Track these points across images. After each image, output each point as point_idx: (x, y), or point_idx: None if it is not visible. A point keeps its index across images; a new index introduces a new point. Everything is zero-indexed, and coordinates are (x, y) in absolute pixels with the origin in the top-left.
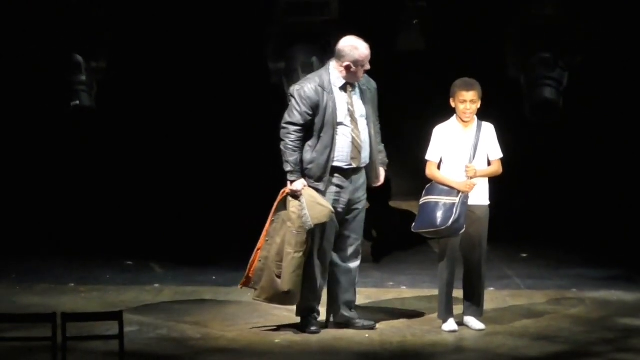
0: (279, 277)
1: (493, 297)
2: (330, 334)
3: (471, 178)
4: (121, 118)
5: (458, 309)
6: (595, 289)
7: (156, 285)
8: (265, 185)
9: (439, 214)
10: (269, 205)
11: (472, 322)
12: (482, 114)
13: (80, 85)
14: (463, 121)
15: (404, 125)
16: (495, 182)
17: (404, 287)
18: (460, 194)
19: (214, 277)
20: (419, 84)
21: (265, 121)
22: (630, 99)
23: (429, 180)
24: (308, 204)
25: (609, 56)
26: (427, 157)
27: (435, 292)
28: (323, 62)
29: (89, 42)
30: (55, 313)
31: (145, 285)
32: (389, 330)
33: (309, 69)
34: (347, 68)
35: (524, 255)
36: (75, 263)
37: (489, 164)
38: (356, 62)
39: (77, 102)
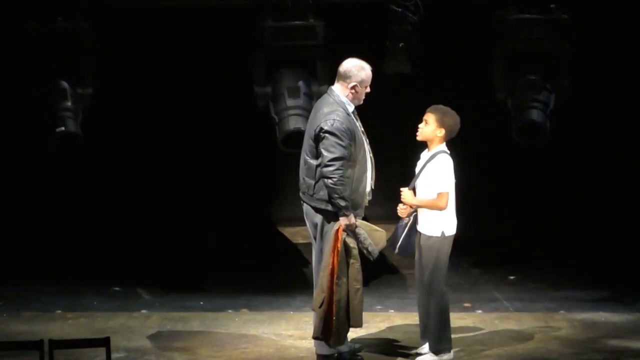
0: (348, 316)
1: (482, 320)
2: None
3: (403, 203)
4: (107, 144)
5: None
6: (584, 311)
7: (144, 311)
8: (250, 211)
9: (393, 236)
10: (254, 230)
11: (425, 349)
12: (472, 137)
13: (66, 111)
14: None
15: (390, 149)
16: (483, 205)
17: (392, 311)
18: (402, 218)
19: (201, 303)
20: (405, 108)
21: (252, 147)
22: (616, 120)
23: None
24: (368, 233)
25: (594, 79)
26: None
27: None
28: (309, 86)
29: (75, 68)
30: (42, 340)
31: (133, 311)
32: (377, 354)
33: (295, 93)
34: (354, 88)
35: (512, 277)
36: (62, 290)
37: None
38: (362, 82)
39: (63, 128)
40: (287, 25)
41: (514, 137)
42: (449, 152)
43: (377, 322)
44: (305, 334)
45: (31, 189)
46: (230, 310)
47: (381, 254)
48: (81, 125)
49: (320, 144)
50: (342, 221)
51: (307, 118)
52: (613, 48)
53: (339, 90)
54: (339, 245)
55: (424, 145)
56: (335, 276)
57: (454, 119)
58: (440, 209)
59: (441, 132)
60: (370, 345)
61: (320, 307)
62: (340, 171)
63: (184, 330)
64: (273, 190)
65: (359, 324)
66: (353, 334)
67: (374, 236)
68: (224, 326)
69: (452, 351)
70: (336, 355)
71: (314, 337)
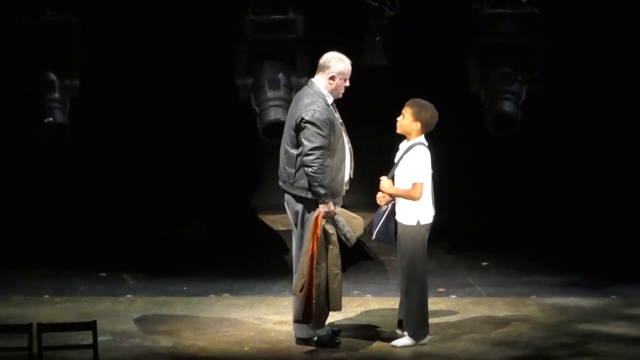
0: (328, 300)
1: (455, 305)
2: None
3: (381, 191)
4: (93, 134)
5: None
6: (554, 296)
7: (129, 296)
8: (232, 199)
9: (371, 223)
10: (235, 218)
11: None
12: (446, 128)
13: (54, 102)
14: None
15: (367, 139)
16: (456, 193)
17: (369, 296)
18: (381, 206)
19: (184, 288)
20: (382, 99)
21: (233, 137)
22: (587, 110)
23: None
24: (347, 220)
25: (566, 70)
26: None
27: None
28: (289, 78)
29: (62, 60)
30: (31, 323)
31: (119, 296)
32: (355, 338)
33: (276, 85)
34: (332, 79)
35: (485, 263)
36: (50, 275)
37: None
38: (341, 74)
39: (51, 119)
40: (268, 18)
41: (487, 127)
42: (427, 144)
43: (354, 306)
44: (285, 318)
45: (20, 177)
46: (212, 295)
47: (359, 240)
48: (69, 115)
49: (301, 133)
50: (322, 208)
51: (287, 109)
52: (584, 40)
53: (319, 82)
54: (319, 231)
55: (401, 136)
56: (315, 261)
57: (431, 112)
58: (415, 199)
59: (417, 126)
60: (348, 329)
61: (300, 291)
62: (320, 160)
63: (167, 314)
64: (254, 179)
65: (338, 308)
66: (331, 318)
67: (352, 223)
68: (206, 310)
69: (427, 336)
70: (315, 338)
71: (295, 321)
